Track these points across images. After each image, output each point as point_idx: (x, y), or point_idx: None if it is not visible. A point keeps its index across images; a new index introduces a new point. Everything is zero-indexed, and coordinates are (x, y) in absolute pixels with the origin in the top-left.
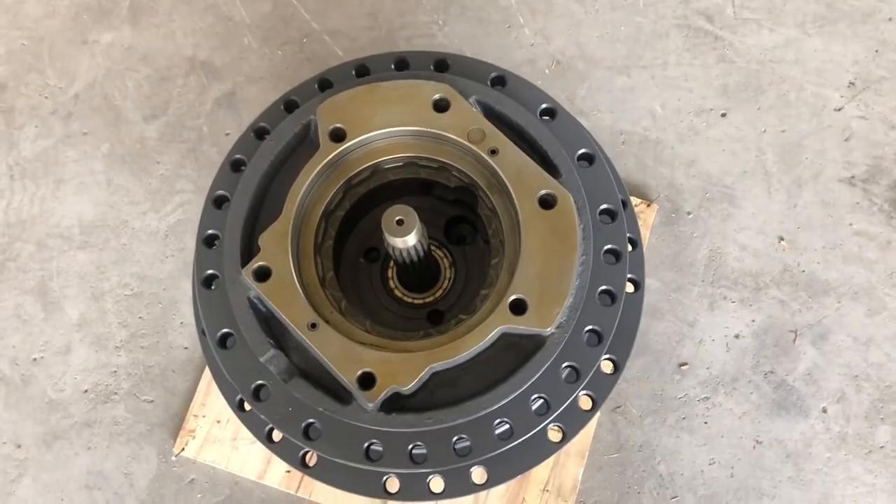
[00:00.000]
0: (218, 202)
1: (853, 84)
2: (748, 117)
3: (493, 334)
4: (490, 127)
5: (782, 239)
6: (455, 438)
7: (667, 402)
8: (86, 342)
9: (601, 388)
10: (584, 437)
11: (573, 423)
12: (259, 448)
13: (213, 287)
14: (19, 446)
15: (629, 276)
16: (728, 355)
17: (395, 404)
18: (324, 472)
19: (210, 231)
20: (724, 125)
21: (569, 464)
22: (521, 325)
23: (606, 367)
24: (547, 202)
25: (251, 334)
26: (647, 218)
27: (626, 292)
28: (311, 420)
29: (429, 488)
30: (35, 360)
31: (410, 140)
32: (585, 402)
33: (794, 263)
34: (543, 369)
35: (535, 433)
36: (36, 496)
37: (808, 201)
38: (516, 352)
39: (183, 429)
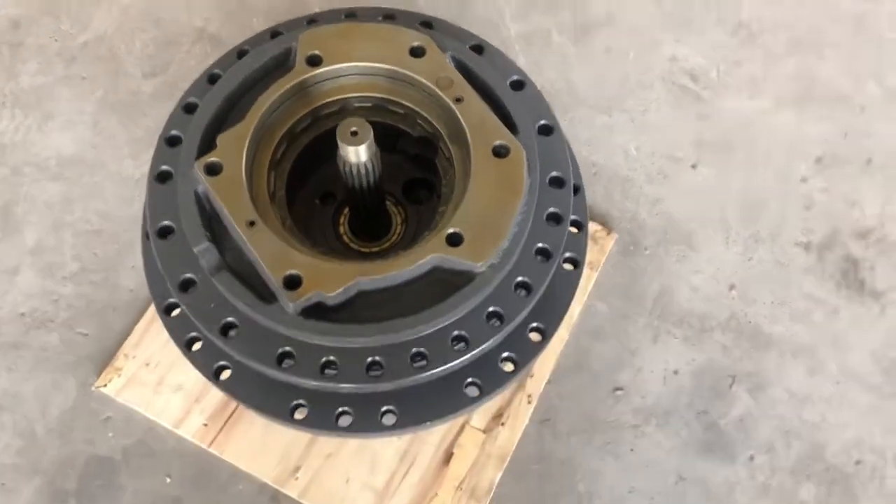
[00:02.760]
0: (188, 108)
1: (820, 160)
2: (717, 172)
3: (425, 260)
4: (459, 77)
5: (733, 287)
6: (369, 360)
7: (597, 423)
8: (35, 267)
9: (525, 353)
10: (507, 442)
11: (492, 382)
12: (180, 397)
13: (165, 183)
14: None
15: (569, 254)
16: (664, 388)
17: (317, 315)
18: (235, 386)
19: (174, 132)
20: (693, 175)
21: (488, 465)
22: (453, 256)
23: (534, 336)
24: (500, 152)
25: (191, 225)
26: (605, 245)
27: (565, 269)
28: (230, 319)
29: (336, 422)
30: None
31: (382, 82)
32: (507, 366)
33: (742, 313)
34: (469, 306)
35: (451, 382)
36: None
37: (763, 258)
38: (446, 288)
39: (110, 365)
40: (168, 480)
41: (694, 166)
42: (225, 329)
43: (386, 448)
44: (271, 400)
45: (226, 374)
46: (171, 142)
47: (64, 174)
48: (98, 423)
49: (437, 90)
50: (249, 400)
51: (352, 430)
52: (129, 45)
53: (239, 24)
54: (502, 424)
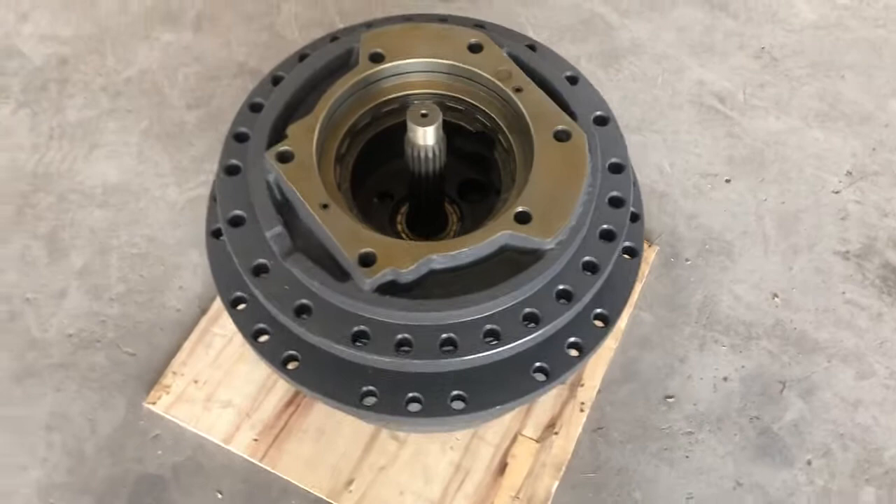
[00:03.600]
0: (253, 108)
1: (850, 173)
2: (750, 186)
3: (495, 237)
4: (517, 70)
5: (776, 296)
6: (443, 336)
7: (650, 430)
8: (82, 290)
9: (589, 339)
10: (562, 451)
11: (558, 366)
12: (230, 413)
13: (234, 176)
14: None
15: (627, 244)
16: (715, 395)
17: (390, 294)
18: (303, 376)
19: (241, 129)
20: (728, 189)
21: (543, 475)
22: (522, 234)
23: (598, 323)
24: (561, 136)
25: (263, 211)
26: (647, 257)
27: (624, 257)
28: (304, 301)
29: (406, 407)
30: (28, 299)
31: (442, 78)
32: (573, 352)
33: (787, 320)
34: (540, 283)
35: (519, 366)
36: None
37: (803, 267)
38: (513, 268)
39: (159, 383)
40: (219, 496)
41: (728, 181)
42: (299, 311)
43: (439, 460)
44: (341, 387)
45: (293, 365)
46: (239, 138)
47: (109, 201)
48: (147, 441)
49: (497, 82)
50: (319, 388)
51: (422, 414)
52: (171, 80)
53: (277, 57)
54: (556, 433)
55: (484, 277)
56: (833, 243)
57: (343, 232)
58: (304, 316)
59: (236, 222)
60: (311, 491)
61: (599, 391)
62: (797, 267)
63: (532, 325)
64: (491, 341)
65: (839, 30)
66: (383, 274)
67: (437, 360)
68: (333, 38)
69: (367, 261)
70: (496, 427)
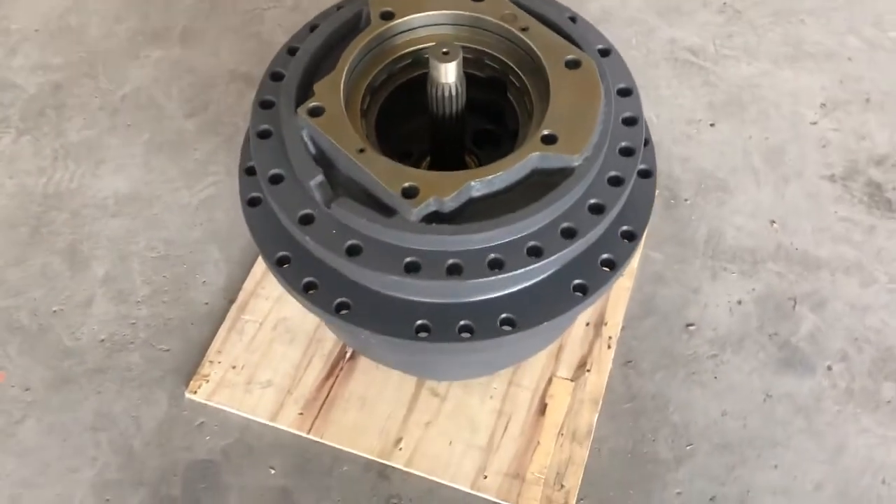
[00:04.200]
0: (274, 76)
1: (824, 105)
2: (734, 127)
3: (526, 160)
4: (521, 12)
5: (774, 222)
6: (490, 257)
7: (677, 358)
8: (108, 296)
9: (620, 254)
10: (596, 386)
11: (595, 282)
12: (272, 391)
13: (267, 139)
14: (27, 389)
15: (642, 166)
16: (732, 318)
17: (435, 222)
18: (358, 318)
19: (266, 97)
20: (713, 132)
21: (583, 410)
22: (552, 153)
23: (625, 241)
24: (573, 64)
25: (302, 164)
26: None
27: (639, 178)
28: (354, 241)
29: (459, 334)
30: (55, 311)
31: (450, 30)
32: (605, 270)
33: (787, 242)
34: (574, 196)
35: (559, 284)
36: (39, 436)
37: (795, 193)
38: (545, 191)
39: (197, 374)
40: (272, 472)
41: (712, 125)
42: (351, 251)
43: (480, 409)
44: (395, 323)
45: (345, 312)
46: (265, 105)
47: (123, 210)
48: (193, 429)
49: (504, 24)
50: (374, 326)
51: (475, 339)
52: (167, 92)
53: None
54: (588, 371)
55: (518, 203)
56: (819, 169)
57: (383, 170)
58: (355, 251)
59: (276, 180)
60: (363, 455)
61: (623, 328)
62: (789, 194)
63: (569, 239)
64: (535, 257)
65: None
66: (427, 204)
67: (487, 278)
68: (339, 6)
69: (410, 193)
70: (530, 373)
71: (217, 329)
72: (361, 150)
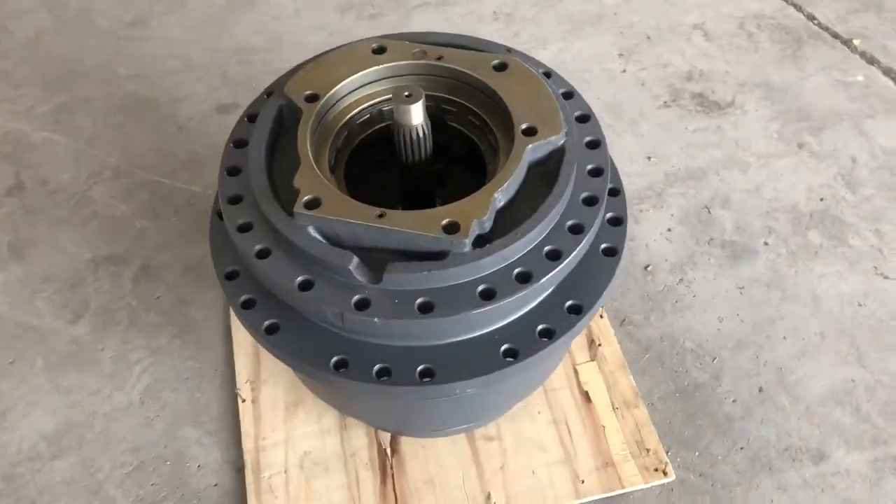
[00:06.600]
0: (231, 172)
1: (622, 55)
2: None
3: (523, 155)
4: (427, 46)
5: (650, 157)
6: (546, 249)
7: (655, 297)
8: None
9: (619, 209)
10: (615, 354)
11: (613, 238)
12: None
13: (268, 258)
14: None
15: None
16: (673, 245)
17: (481, 244)
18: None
19: (241, 221)
20: None
21: (618, 377)
22: (540, 141)
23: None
24: (501, 67)
25: (331, 253)
26: None
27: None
28: (423, 298)
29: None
30: None
31: (367, 91)
32: (614, 226)
33: (669, 167)
34: (579, 169)
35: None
36: None
37: (649, 129)
38: (547, 179)
39: None
40: None
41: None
42: (422, 308)
43: (537, 429)
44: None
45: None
46: (242, 228)
47: (63, 447)
48: None
49: (417, 60)
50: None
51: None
52: (34, 311)
53: (125, 234)
54: (599, 346)
55: (530, 202)
56: (652, 102)
57: (412, 221)
58: (427, 309)
59: (307, 286)
60: None
61: None
62: (645, 132)
63: (591, 207)
64: (576, 228)
65: None
66: (472, 230)
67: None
68: (269, 93)
69: (453, 228)
70: (556, 375)
71: (246, 502)
72: (381, 215)
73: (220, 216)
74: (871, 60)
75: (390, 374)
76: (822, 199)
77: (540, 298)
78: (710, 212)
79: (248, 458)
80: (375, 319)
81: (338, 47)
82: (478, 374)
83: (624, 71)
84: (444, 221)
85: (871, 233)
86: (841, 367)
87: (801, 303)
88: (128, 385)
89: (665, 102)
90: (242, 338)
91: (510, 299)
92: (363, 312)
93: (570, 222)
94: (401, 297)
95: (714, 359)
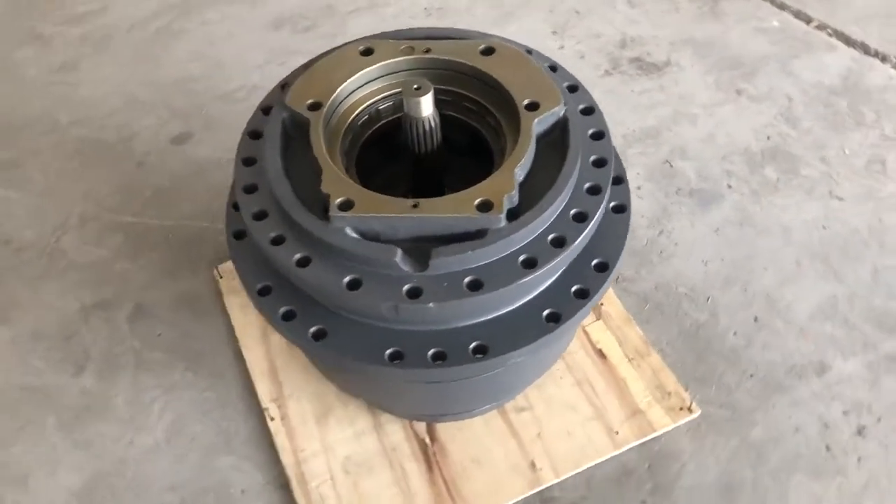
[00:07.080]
0: (248, 189)
1: (556, 32)
2: None
3: (530, 130)
4: (415, 42)
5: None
6: (573, 211)
7: (640, 252)
8: None
9: (617, 169)
10: (617, 309)
11: (620, 196)
12: None
13: (309, 266)
14: None
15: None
16: (645, 201)
17: (516, 216)
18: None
19: (275, 233)
20: None
21: (627, 332)
22: (544, 114)
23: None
24: (489, 51)
25: (375, 249)
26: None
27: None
28: (469, 277)
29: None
30: None
31: (363, 92)
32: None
33: (625, 130)
34: (579, 137)
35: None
36: None
37: (597, 98)
38: (556, 150)
39: None
40: None
41: None
42: (471, 285)
43: (564, 391)
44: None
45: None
46: (277, 240)
47: (94, 501)
48: None
49: (406, 56)
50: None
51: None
52: (31, 373)
53: (109, 281)
54: (602, 305)
55: (545, 171)
56: (595, 72)
57: (447, 205)
58: (476, 286)
59: (355, 285)
60: (520, 497)
61: None
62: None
63: (602, 168)
64: (594, 189)
65: None
66: (504, 206)
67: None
68: (264, 108)
69: (486, 206)
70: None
71: None
72: (415, 205)
73: (237, 237)
74: (782, 6)
75: (445, 357)
76: (769, 138)
77: (568, 263)
78: (671, 165)
79: (292, 472)
80: (430, 304)
81: (322, 55)
82: (528, 342)
83: (562, 47)
84: (477, 201)
85: (818, 161)
86: (821, 285)
87: (773, 235)
88: (149, 425)
89: (606, 71)
90: (256, 359)
91: (551, 264)
92: (417, 300)
93: (587, 184)
94: (449, 279)
95: (707, 298)
